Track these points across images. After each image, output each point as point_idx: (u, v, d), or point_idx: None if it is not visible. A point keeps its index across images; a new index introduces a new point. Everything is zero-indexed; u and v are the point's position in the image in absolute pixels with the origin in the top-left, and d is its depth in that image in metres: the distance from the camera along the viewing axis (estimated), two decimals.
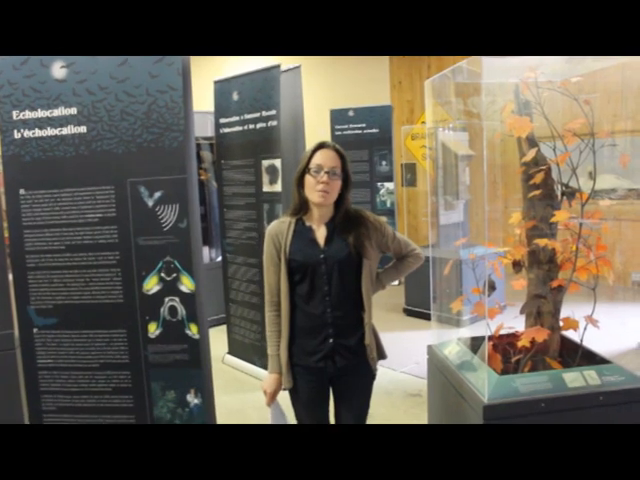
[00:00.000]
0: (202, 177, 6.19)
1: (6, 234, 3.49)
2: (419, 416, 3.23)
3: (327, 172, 2.02)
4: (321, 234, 2.12)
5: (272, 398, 2.17)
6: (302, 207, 2.12)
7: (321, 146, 2.08)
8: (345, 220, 2.12)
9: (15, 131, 2.51)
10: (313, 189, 2.04)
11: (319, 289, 2.09)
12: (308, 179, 2.05)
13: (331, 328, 2.10)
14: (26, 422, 3.55)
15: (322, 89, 8.44)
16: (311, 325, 2.10)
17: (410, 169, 7.76)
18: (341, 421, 2.22)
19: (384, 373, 4.41)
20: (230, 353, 4.81)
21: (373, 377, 2.24)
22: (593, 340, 2.60)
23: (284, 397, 2.22)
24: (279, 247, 2.10)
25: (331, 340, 2.10)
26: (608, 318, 2.69)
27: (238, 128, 4.42)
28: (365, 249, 2.11)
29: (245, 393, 4.06)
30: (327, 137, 7.67)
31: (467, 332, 3.31)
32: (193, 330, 2.48)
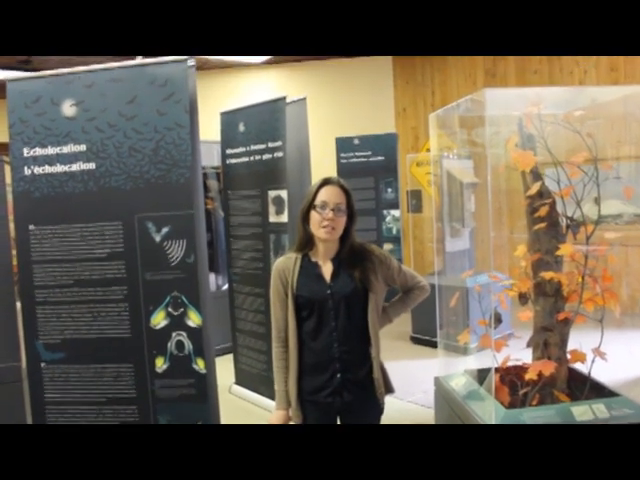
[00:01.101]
0: (209, 206, 6.23)
1: (14, 262, 3.52)
2: None
3: (332, 209, 2.03)
4: (327, 269, 2.12)
5: None
6: (308, 243, 2.13)
7: (326, 182, 2.09)
8: (350, 255, 2.12)
9: (25, 167, 2.55)
10: (319, 225, 2.05)
11: (326, 324, 2.09)
12: (314, 216, 2.06)
13: (338, 363, 2.09)
14: None
15: (327, 118, 8.53)
16: (318, 361, 2.10)
17: (416, 195, 7.79)
18: None
19: (391, 402, 4.35)
20: (237, 383, 4.79)
21: (381, 411, 2.24)
22: (601, 369, 2.59)
23: None
24: (286, 283, 2.11)
25: (339, 375, 2.09)
26: (616, 345, 2.68)
27: (244, 159, 4.46)
28: (371, 283, 2.11)
29: (252, 423, 4.04)
30: (333, 165, 7.72)
31: (474, 361, 3.30)
32: (200, 365, 2.49)
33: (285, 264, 2.14)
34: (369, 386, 2.15)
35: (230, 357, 4.93)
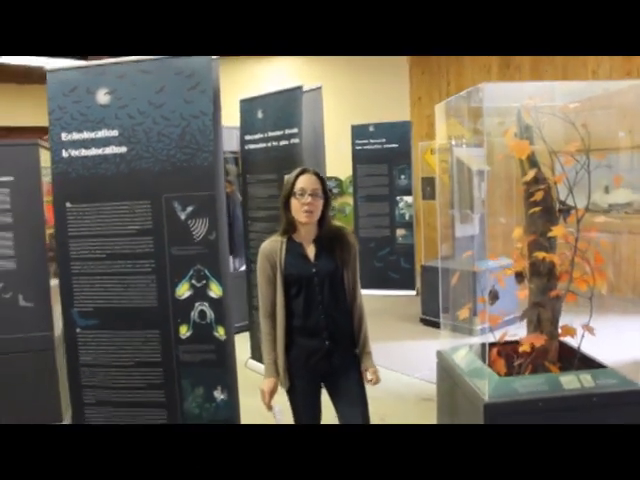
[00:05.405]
0: (227, 190, 6.44)
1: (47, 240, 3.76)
2: (430, 419, 3.42)
3: (310, 194, 2.29)
4: (310, 250, 2.39)
5: (271, 397, 2.41)
6: (290, 227, 2.39)
7: (303, 172, 2.35)
8: (330, 237, 2.41)
9: (63, 151, 2.78)
10: (299, 210, 2.31)
11: (313, 299, 2.36)
12: (294, 202, 2.32)
13: (326, 332, 2.37)
14: (63, 414, 3.84)
15: (344, 105, 8.69)
16: (308, 331, 2.37)
17: (429, 183, 7.95)
18: (347, 415, 2.43)
19: (398, 378, 4.61)
20: (253, 358, 5.04)
21: (360, 373, 2.47)
22: (594, 352, 2.78)
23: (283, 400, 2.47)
24: (274, 264, 2.36)
25: (327, 342, 2.37)
26: (611, 329, 2.84)
27: (262, 145, 4.68)
28: (347, 262, 2.41)
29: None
30: (348, 151, 7.92)
31: (478, 341, 3.49)
32: (220, 332, 2.73)
33: (271, 247, 2.38)
34: (352, 350, 2.45)
35: (246, 335, 5.17)
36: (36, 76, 7.43)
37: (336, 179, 9.41)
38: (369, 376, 2.43)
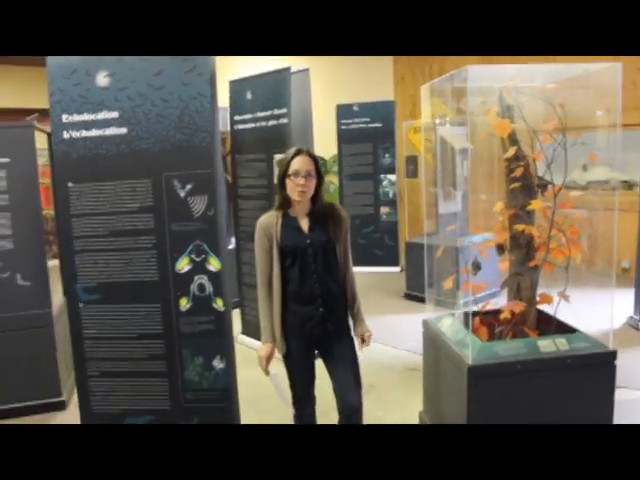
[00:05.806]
0: None
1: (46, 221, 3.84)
2: (416, 386, 3.61)
3: (304, 176, 2.46)
4: (304, 223, 2.57)
5: (268, 362, 2.61)
6: (285, 202, 2.56)
7: (297, 153, 2.50)
8: (322, 212, 2.58)
9: (64, 132, 2.87)
10: (293, 190, 2.48)
11: (307, 268, 2.53)
12: (288, 182, 2.49)
13: (320, 299, 2.55)
14: (62, 389, 3.97)
15: (329, 85, 8.79)
16: (304, 299, 2.55)
17: (412, 161, 8.12)
18: (341, 376, 2.60)
19: (386, 351, 4.81)
20: (244, 333, 5.21)
21: (352, 338, 2.66)
22: (579, 325, 2.97)
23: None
24: (270, 237, 2.53)
25: (321, 309, 2.55)
26: (595, 303, 3.03)
27: (251, 125, 4.79)
28: (338, 235, 2.58)
29: (257, 368, 4.44)
30: (333, 131, 8.04)
31: (461, 312, 3.67)
32: (219, 304, 2.87)
33: (268, 221, 2.57)
34: (345, 317, 2.64)
35: (236, 311, 5.32)
36: (19, 58, 7.39)
37: (321, 158, 9.53)
38: (364, 338, 2.61)
